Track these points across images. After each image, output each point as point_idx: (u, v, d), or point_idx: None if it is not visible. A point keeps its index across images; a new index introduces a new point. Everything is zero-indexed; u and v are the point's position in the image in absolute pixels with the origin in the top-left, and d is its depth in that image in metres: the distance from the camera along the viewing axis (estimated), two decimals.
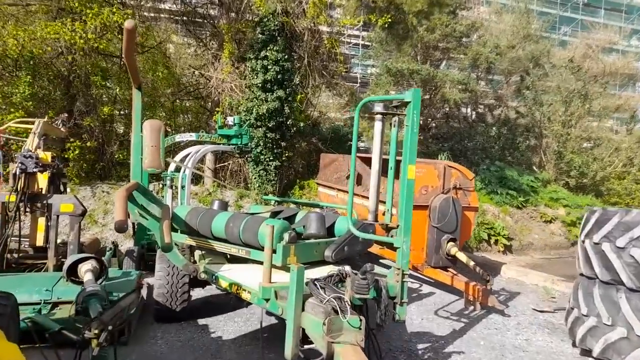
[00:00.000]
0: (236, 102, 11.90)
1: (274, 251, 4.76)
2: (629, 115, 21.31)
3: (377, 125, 4.53)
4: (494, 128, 17.75)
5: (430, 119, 24.40)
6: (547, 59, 22.02)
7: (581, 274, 5.37)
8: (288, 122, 11.85)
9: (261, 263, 4.96)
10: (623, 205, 16.14)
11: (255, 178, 12.20)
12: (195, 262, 5.63)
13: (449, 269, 7.70)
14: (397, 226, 4.42)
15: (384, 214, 4.82)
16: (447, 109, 20.73)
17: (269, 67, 11.48)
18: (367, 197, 8.66)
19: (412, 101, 4.29)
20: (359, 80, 36.02)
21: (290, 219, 6.45)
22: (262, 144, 11.84)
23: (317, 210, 7.71)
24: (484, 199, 14.37)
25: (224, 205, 6.49)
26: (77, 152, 10.93)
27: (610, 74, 29.07)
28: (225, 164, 14.06)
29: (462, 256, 7.23)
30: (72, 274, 5.06)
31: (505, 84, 26.78)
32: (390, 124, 4.62)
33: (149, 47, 13.55)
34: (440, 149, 17.18)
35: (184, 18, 14.06)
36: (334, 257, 5.25)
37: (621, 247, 4.66)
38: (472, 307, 6.97)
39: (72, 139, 10.81)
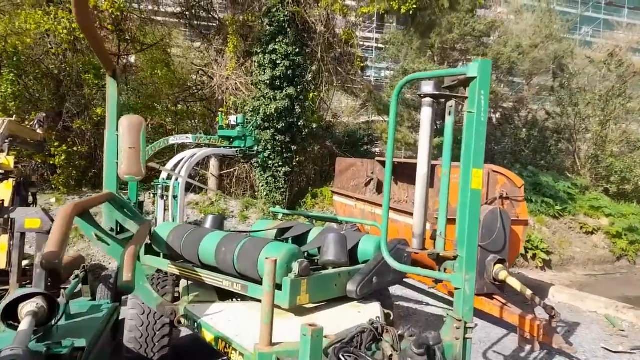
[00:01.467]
0: (241, 102, 10.69)
1: (279, 287, 3.48)
2: None
3: (426, 112, 3.23)
4: (523, 130, 16.27)
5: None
6: (571, 59, 20.58)
7: None
8: (299, 124, 10.59)
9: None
10: None
11: (262, 186, 10.95)
12: (178, 297, 4.36)
13: (495, 297, 6.33)
14: (455, 257, 3.09)
15: (432, 238, 3.51)
16: None
17: (278, 61, 10.25)
18: (393, 209, 7.35)
19: (479, 77, 2.98)
20: (372, 84, 34.79)
21: (301, 238, 5.17)
22: (270, 148, 10.59)
23: (335, 226, 6.39)
24: None
25: (219, 222, 5.21)
26: (63, 157, 9.78)
27: None
28: (232, 170, 12.85)
29: (514, 282, 5.85)
30: (13, 316, 3.83)
31: (526, 85, 25.33)
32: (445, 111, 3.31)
33: (149, 44, 12.44)
34: None
35: (186, 14, 12.94)
36: (359, 292, 3.94)
37: None
38: (529, 347, 5.59)
39: (56, 143, 9.67)
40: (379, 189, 9.28)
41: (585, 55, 17.88)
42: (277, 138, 10.53)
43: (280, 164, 10.74)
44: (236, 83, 10.79)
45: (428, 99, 3.17)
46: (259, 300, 3.76)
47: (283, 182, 10.88)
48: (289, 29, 10.47)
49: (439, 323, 6.50)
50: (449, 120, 3.25)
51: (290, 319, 3.56)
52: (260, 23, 10.93)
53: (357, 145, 14.92)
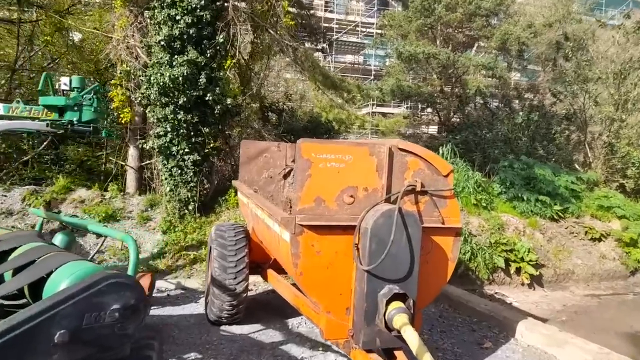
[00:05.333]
0: (133, 69, 8.46)
1: None
2: None
3: None
4: (520, 113, 13.58)
5: (452, 113, 20.47)
6: (592, 41, 17.72)
7: None
8: (206, 98, 8.28)
9: None
10: None
11: (165, 179, 8.70)
12: None
13: (397, 352, 3.90)
14: None
15: None
16: (462, 93, 16.72)
17: (178, 17, 7.98)
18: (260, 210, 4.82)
19: None
20: (373, 72, 32.33)
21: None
22: (171, 129, 8.34)
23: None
24: (503, 208, 10.35)
25: None
26: None
27: None
28: (153, 160, 10.65)
29: (411, 337, 3.40)
30: None
31: (542, 72, 22.55)
32: None
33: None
34: (450, 141, 13.20)
35: None
36: None
37: None
38: None
39: None
40: (286, 176, 6.95)
41: (596, 19, 14.96)
42: (180, 117, 8.25)
43: (186, 150, 8.47)
44: (134, 46, 8.53)
45: None
46: None
47: (192, 174, 8.60)
48: None
49: None
50: None
51: None
52: None
53: (318, 133, 12.60)
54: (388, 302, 3.64)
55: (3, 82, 9.75)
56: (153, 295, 6.94)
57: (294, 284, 5.86)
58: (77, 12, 10.54)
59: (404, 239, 3.75)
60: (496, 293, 8.49)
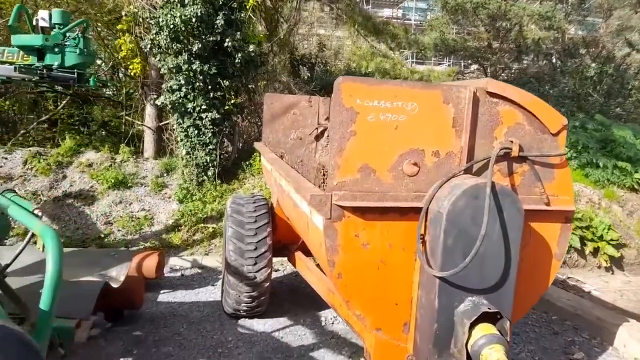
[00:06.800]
0: (141, 10, 7.24)
1: None
2: None
3: None
4: (592, 66, 11.64)
5: (502, 69, 18.49)
6: None
7: None
8: (226, 45, 6.99)
9: None
10: None
11: (181, 140, 7.61)
12: None
13: None
14: None
15: None
16: (522, 42, 14.75)
17: None
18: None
19: None
20: (413, 27, 30.12)
21: None
22: (185, 82, 7.15)
23: None
24: (574, 175, 8.76)
25: None
26: None
27: None
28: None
29: None
30: None
31: (603, 22, 20.05)
32: None
33: None
34: None
35: None
36: None
37: None
38: None
39: None
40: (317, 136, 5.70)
41: None
42: (196, 67, 7.03)
43: (204, 107, 7.30)
44: None
45: None
46: None
47: (211, 134, 7.46)
48: None
49: None
50: None
51: None
52: None
53: None
54: (473, 324, 2.40)
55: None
56: (165, 275, 5.99)
57: None
58: None
59: (496, 230, 2.46)
60: (569, 278, 7.12)
